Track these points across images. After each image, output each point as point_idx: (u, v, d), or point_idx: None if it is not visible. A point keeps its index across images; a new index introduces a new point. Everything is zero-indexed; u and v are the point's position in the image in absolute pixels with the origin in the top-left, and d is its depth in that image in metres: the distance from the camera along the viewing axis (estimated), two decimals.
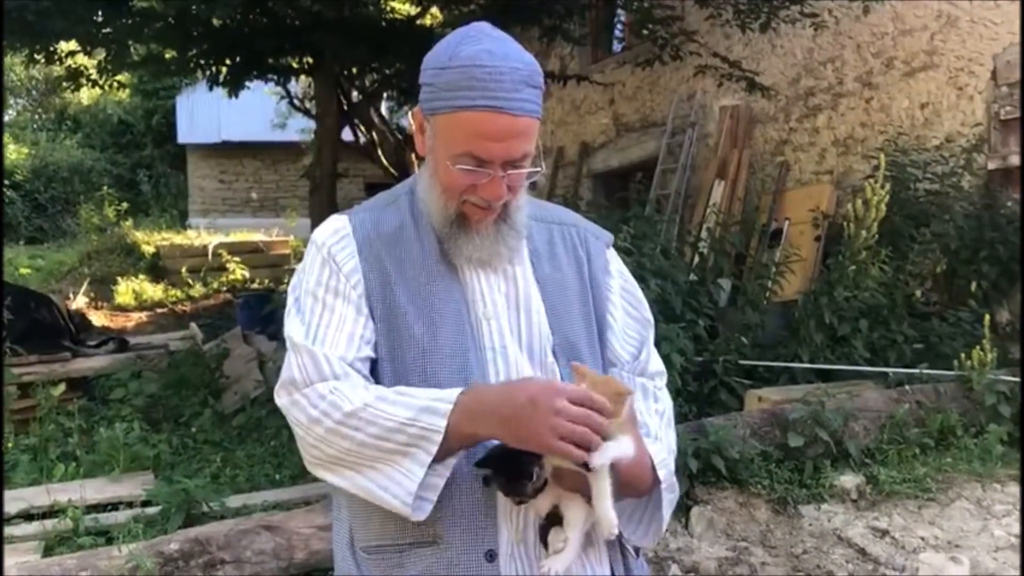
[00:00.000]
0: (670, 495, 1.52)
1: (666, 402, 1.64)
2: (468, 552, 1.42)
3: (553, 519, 1.42)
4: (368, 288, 1.48)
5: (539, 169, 1.48)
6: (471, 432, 1.35)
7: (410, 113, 1.54)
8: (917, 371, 5.35)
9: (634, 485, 1.43)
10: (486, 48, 1.40)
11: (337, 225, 1.54)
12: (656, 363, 1.66)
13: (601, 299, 1.60)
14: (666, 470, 1.51)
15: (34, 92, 22.29)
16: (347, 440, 1.38)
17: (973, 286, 6.06)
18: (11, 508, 4.31)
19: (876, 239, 5.98)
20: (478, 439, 1.37)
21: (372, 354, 1.47)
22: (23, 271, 13.23)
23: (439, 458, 1.36)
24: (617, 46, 11.46)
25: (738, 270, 7.22)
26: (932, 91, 7.19)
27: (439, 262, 1.50)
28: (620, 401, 1.37)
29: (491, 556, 1.42)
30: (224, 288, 13.09)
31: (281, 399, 1.46)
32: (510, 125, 1.39)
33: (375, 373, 1.48)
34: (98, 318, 10.84)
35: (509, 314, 1.52)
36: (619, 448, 1.35)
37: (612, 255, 1.68)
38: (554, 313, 1.54)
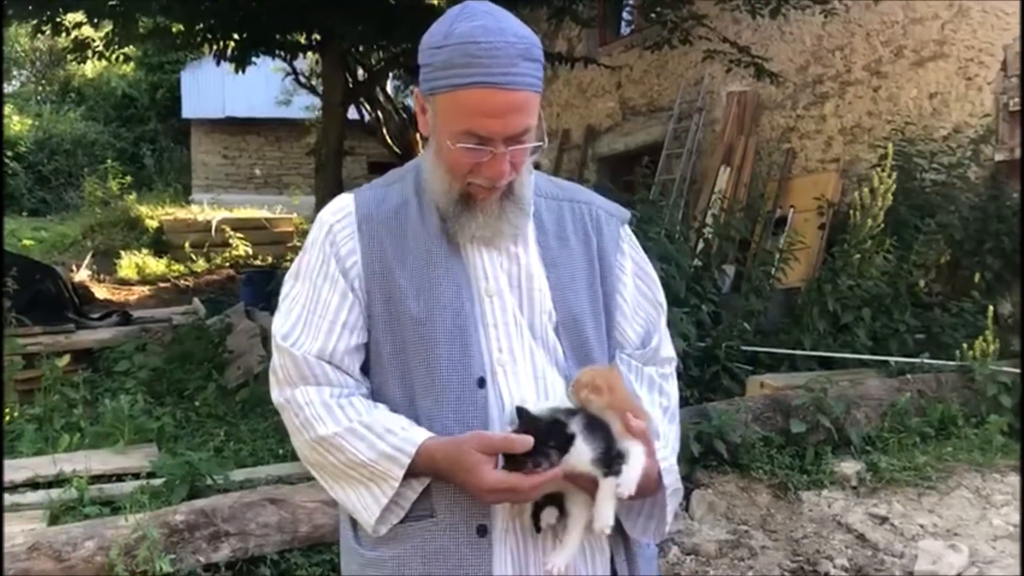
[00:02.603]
0: (674, 498, 1.55)
1: (672, 394, 1.64)
2: (460, 527, 1.45)
3: (547, 500, 1.44)
4: (366, 268, 1.50)
5: (542, 144, 1.48)
6: (429, 478, 1.45)
7: (414, 93, 1.53)
8: (919, 360, 5.37)
9: (641, 494, 1.45)
10: (480, 24, 1.39)
11: (341, 204, 1.57)
12: (667, 349, 1.67)
13: (611, 278, 1.60)
14: (672, 476, 1.53)
15: (38, 64, 22.21)
16: (321, 456, 1.47)
17: (976, 277, 6.08)
18: (17, 476, 4.34)
19: (881, 228, 5.99)
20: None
21: (358, 340, 1.51)
22: (26, 242, 13.25)
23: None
24: (625, 29, 11.42)
25: (742, 256, 7.23)
26: (941, 81, 7.17)
27: (440, 240, 1.51)
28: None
29: (483, 531, 1.45)
30: (227, 264, 13.11)
31: (273, 394, 1.54)
32: (508, 100, 1.39)
33: (375, 354, 1.51)
34: (101, 291, 10.87)
35: (511, 292, 1.53)
36: (637, 467, 1.41)
37: (627, 233, 1.66)
38: (559, 291, 1.54)
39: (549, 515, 1.44)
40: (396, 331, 1.49)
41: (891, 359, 5.54)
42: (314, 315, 1.50)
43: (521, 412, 1.40)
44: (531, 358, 1.51)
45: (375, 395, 1.51)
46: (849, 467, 4.40)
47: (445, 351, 1.46)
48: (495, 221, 1.49)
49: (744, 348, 5.86)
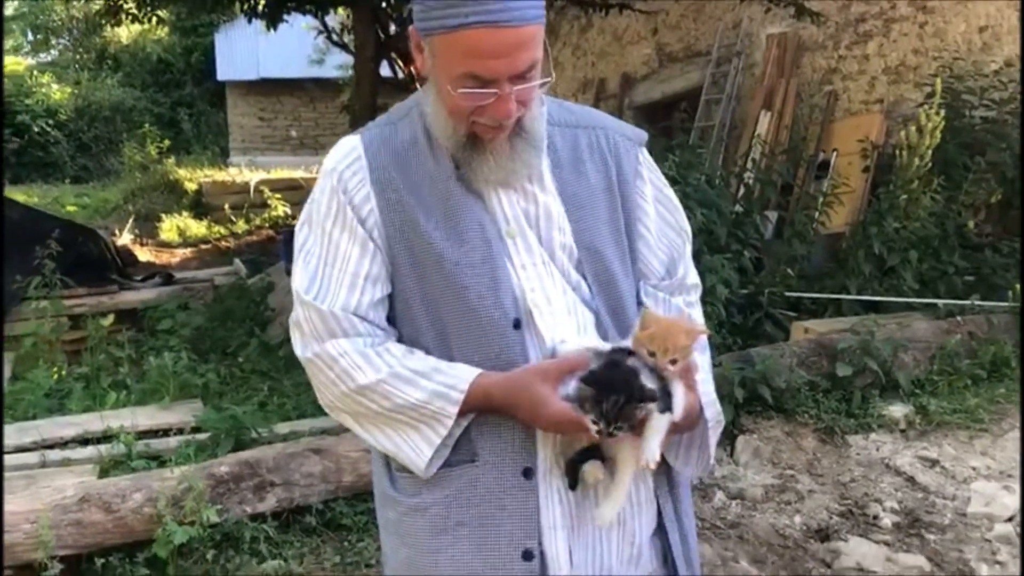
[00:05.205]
0: (716, 430, 1.50)
1: (700, 323, 1.58)
2: (505, 469, 1.41)
3: (586, 453, 1.39)
4: (383, 215, 1.43)
5: (549, 79, 1.39)
6: (473, 414, 1.40)
7: (409, 31, 1.43)
8: (969, 302, 5.23)
9: (683, 428, 1.42)
10: None
11: (348, 148, 1.48)
12: (692, 276, 1.60)
13: (632, 207, 1.53)
14: (713, 408, 1.48)
15: (75, 31, 22.35)
16: (361, 406, 1.42)
17: None
18: (67, 432, 4.43)
19: (929, 168, 5.82)
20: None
21: (382, 292, 1.44)
22: (69, 208, 13.45)
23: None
24: None
25: (784, 201, 7.09)
26: (991, 13, 6.90)
27: (456, 180, 1.43)
28: (692, 340, 1.37)
29: (528, 474, 1.40)
30: (267, 224, 13.19)
31: (296, 348, 1.48)
32: (510, 38, 1.29)
33: (402, 304, 1.45)
34: (143, 254, 10.99)
35: (531, 231, 1.46)
36: (680, 396, 1.36)
37: (645, 157, 1.58)
38: (579, 226, 1.47)
39: (594, 470, 1.38)
40: (423, 278, 1.42)
41: (939, 301, 5.40)
42: (333, 268, 1.44)
43: (593, 375, 1.33)
44: (563, 296, 1.44)
45: (408, 346, 1.45)
46: (897, 410, 4.32)
47: (478, 294, 1.40)
48: (507, 162, 1.41)
49: (787, 294, 5.75)
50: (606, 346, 1.39)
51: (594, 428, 1.29)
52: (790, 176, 7.20)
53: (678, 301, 1.55)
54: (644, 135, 1.60)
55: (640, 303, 1.52)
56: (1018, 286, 5.10)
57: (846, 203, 6.58)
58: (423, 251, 1.42)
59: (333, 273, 1.44)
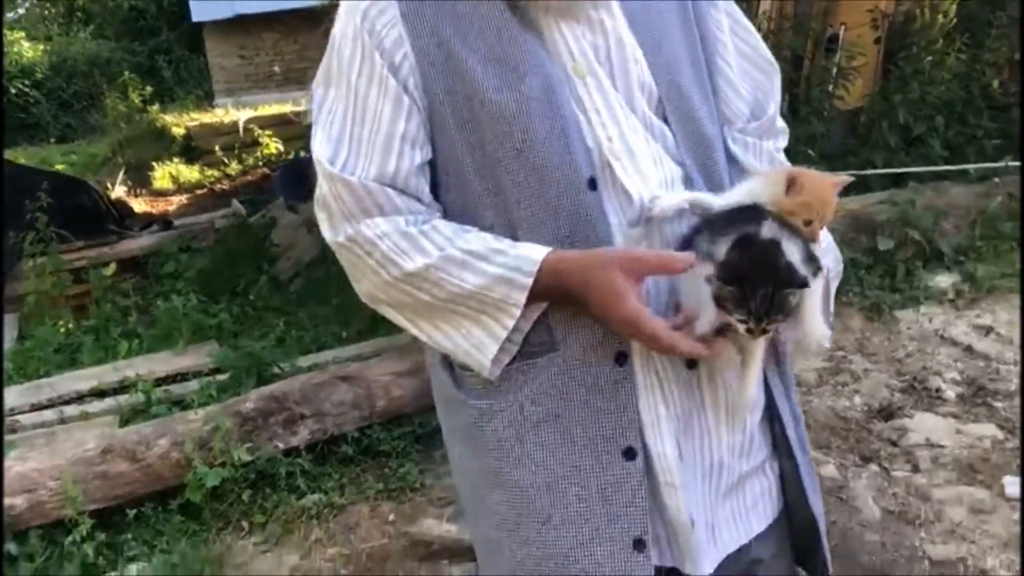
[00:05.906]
0: (837, 280, 1.30)
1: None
2: (593, 356, 1.16)
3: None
4: (421, 61, 1.16)
5: None
6: (553, 300, 1.14)
7: None
8: (1003, 164, 4.99)
9: None
10: None
11: None
12: (780, 119, 1.35)
13: (710, 38, 1.27)
14: (833, 254, 1.27)
15: None
16: (408, 296, 1.16)
17: None
18: (82, 386, 4.25)
19: (953, 24, 5.50)
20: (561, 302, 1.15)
21: (422, 156, 1.18)
22: (58, 167, 13.10)
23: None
24: None
25: (796, 77, 6.78)
26: None
27: (507, 14, 1.16)
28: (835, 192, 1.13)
29: (621, 359, 1.15)
30: (260, 163, 12.86)
31: (324, 231, 1.21)
32: None
33: (452, 171, 1.19)
34: (139, 205, 10.71)
35: (602, 69, 1.19)
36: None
37: None
38: (656, 59, 1.21)
39: (727, 350, 1.12)
40: (473, 135, 1.15)
41: (971, 167, 5.16)
42: (363, 129, 1.17)
43: (730, 266, 1.04)
44: (646, 144, 1.18)
45: (459, 222, 1.19)
46: (944, 280, 4.13)
47: (543, 150, 1.13)
48: None
49: None
50: (716, 201, 1.14)
51: (743, 328, 1.05)
52: (801, 50, 6.86)
53: (769, 146, 1.31)
54: None
55: (729, 153, 1.28)
56: None
57: (861, 75, 6.28)
58: (472, 102, 1.15)
59: (363, 135, 1.17)
